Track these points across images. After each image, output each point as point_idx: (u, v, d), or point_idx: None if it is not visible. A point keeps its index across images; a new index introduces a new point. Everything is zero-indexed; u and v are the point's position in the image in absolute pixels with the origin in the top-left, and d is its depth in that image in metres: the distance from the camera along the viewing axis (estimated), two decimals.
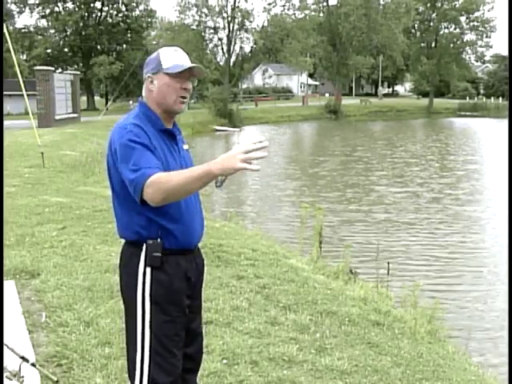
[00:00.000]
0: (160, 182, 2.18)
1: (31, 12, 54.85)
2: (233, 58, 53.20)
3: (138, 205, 2.32)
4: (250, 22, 51.61)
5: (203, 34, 51.39)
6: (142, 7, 56.97)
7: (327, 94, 72.93)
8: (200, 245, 2.62)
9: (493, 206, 15.85)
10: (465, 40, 72.05)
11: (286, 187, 19.21)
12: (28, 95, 15.17)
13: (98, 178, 13.18)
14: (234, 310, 4.75)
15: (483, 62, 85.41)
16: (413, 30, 73.36)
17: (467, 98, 76.74)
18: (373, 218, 14.11)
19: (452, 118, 62.76)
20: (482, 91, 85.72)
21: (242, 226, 10.11)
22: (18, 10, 54.70)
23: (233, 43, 51.14)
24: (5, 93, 29.28)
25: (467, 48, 72.72)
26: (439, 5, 70.82)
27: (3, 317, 2.87)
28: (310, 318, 4.82)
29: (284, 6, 53.03)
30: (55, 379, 2.93)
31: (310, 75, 76.26)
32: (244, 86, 69.00)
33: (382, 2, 62.14)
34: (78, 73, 38.77)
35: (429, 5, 70.77)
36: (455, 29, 71.93)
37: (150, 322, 2.39)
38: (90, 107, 51.89)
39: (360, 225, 13.42)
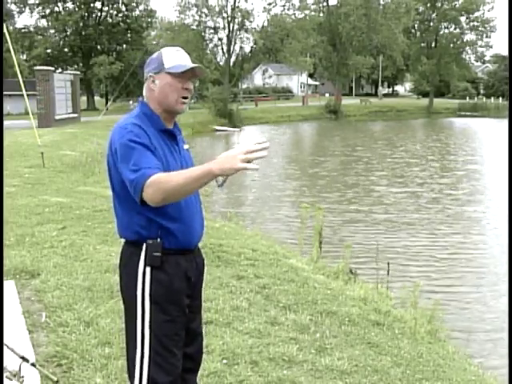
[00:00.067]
0: (160, 182, 2.18)
1: (31, 12, 54.92)
2: (233, 58, 53.23)
3: (138, 205, 2.32)
4: (250, 22, 51.67)
5: (203, 33, 51.38)
6: (142, 7, 57.04)
7: (327, 94, 72.93)
8: (200, 245, 2.62)
9: (493, 206, 15.85)
10: (465, 40, 72.05)
11: (286, 187, 19.21)
12: (28, 95, 15.17)
13: (97, 177, 13.18)
14: (234, 310, 4.75)
15: (483, 62, 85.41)
16: (413, 30, 73.35)
17: (467, 97, 76.75)
18: (373, 219, 14.11)
19: (452, 118, 62.76)
20: (481, 91, 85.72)
21: (241, 226, 10.10)
22: (18, 9, 54.79)
23: (233, 43, 51.14)
24: (5, 93, 29.28)
25: (467, 48, 72.72)
26: (439, 5, 70.81)
27: (3, 317, 2.87)
28: (310, 318, 4.82)
29: (284, 6, 53.05)
30: (55, 379, 2.93)
31: (310, 75, 76.26)
32: (244, 86, 69.01)
33: (382, 2, 62.16)
34: (78, 73, 38.77)
35: (429, 5, 70.76)
36: (455, 29, 71.94)
37: (150, 321, 2.39)
38: (89, 107, 51.90)
39: (360, 225, 13.42)
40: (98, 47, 54.69)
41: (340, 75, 62.61)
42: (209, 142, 35.02)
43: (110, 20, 56.16)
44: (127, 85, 44.62)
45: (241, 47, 53.00)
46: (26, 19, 59.42)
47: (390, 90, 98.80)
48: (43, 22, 55.77)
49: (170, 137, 2.47)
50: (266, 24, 52.25)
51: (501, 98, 72.47)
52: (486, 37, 71.26)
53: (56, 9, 54.15)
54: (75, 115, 32.71)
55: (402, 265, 10.00)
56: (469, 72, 75.70)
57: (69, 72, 38.77)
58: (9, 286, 4.89)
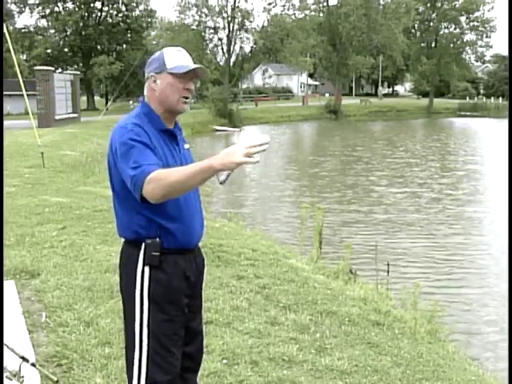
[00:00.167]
0: (160, 179, 2.17)
1: (31, 12, 54.93)
2: (233, 58, 53.22)
3: (137, 204, 2.33)
4: (250, 22, 51.66)
5: (203, 33, 51.38)
6: (142, 7, 57.06)
7: (327, 94, 72.93)
8: (200, 245, 2.62)
9: (493, 206, 15.84)
10: (465, 40, 72.04)
11: (286, 187, 19.22)
12: (28, 95, 15.17)
13: (98, 177, 13.18)
14: (234, 310, 4.75)
15: (483, 62, 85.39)
16: (413, 30, 73.35)
17: (467, 98, 76.74)
18: (373, 219, 14.11)
19: (452, 118, 62.76)
20: (482, 91, 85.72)
21: (241, 226, 10.10)
22: (18, 9, 54.80)
23: (233, 43, 51.14)
24: (5, 93, 29.29)
25: (467, 48, 72.71)
26: (439, 5, 70.80)
27: (3, 317, 2.87)
28: (310, 317, 4.82)
29: (284, 6, 53.04)
30: (55, 379, 2.94)
31: (310, 75, 76.25)
32: (244, 86, 69.01)
33: (382, 2, 62.15)
34: (78, 73, 38.77)
35: (429, 5, 70.75)
36: (455, 29, 71.93)
37: (149, 320, 2.39)
38: (90, 107, 51.90)
39: (360, 225, 13.42)
40: (98, 47, 54.69)
41: (340, 75, 62.61)
42: (209, 142, 35.02)
43: (110, 20, 56.17)
44: (127, 85, 44.63)
45: (241, 47, 53.07)
46: (25, 19, 59.54)
47: (390, 90, 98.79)
48: (43, 22, 55.89)
49: (171, 137, 2.48)
50: (266, 24, 52.27)
51: (501, 98, 72.46)
52: (486, 37, 71.31)
53: (56, 9, 54.16)
54: (75, 115, 32.71)
55: (402, 265, 10.00)
56: (469, 72, 75.70)
57: (69, 72, 38.77)
58: (9, 286, 4.89)
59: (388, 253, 10.37)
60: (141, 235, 2.38)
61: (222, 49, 51.76)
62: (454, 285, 9.39)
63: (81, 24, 53.70)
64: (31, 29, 55.76)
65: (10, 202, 8.92)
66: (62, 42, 55.27)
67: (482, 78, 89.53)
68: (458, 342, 6.36)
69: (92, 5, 54.66)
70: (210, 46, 52.66)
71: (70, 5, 54.10)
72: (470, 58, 75.13)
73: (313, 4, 61.76)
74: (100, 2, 54.96)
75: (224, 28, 50.97)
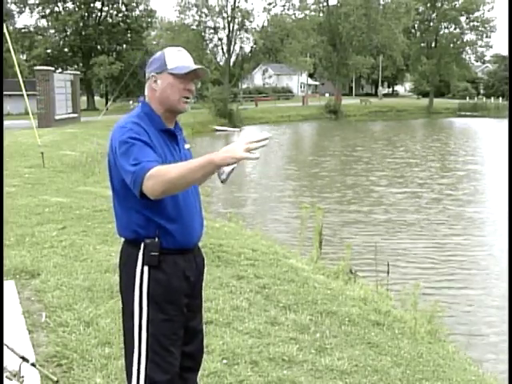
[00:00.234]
0: (160, 175, 2.17)
1: (31, 12, 54.91)
2: (233, 58, 53.21)
3: (137, 204, 2.33)
4: (250, 22, 51.65)
5: (203, 33, 51.38)
6: (142, 7, 57.03)
7: (327, 94, 72.93)
8: (200, 245, 2.62)
9: (493, 206, 15.83)
10: (465, 40, 72.03)
11: (286, 187, 19.21)
12: (28, 95, 15.17)
13: (97, 178, 13.18)
14: (234, 310, 4.75)
15: (483, 62, 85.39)
16: (413, 30, 73.34)
17: (467, 97, 76.74)
18: (373, 219, 14.11)
19: (452, 118, 62.76)
20: (482, 91, 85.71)
21: (241, 226, 10.10)
22: (18, 9, 54.77)
23: (233, 43, 51.13)
24: (5, 93, 29.29)
25: (467, 48, 72.70)
26: (439, 5, 70.80)
27: (3, 317, 2.87)
28: (310, 317, 4.82)
29: (284, 6, 53.03)
30: (55, 379, 2.93)
31: (310, 75, 76.24)
32: (244, 86, 69.00)
33: (382, 2, 62.13)
34: (78, 73, 38.76)
35: (429, 5, 70.74)
36: (455, 29, 71.92)
37: (148, 320, 2.40)
38: (90, 107, 51.90)
39: (360, 225, 13.42)
40: (98, 47, 54.69)
41: (340, 75, 62.60)
42: (209, 141, 35.01)
43: (110, 20, 56.16)
44: (127, 85, 44.63)
45: (241, 47, 53.06)
46: (25, 19, 59.51)
47: (390, 90, 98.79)
48: (43, 22, 55.87)
49: (171, 137, 2.48)
50: (266, 24, 52.26)
51: (501, 98, 72.46)
52: (486, 37, 71.29)
53: (56, 9, 54.14)
54: (75, 115, 32.71)
55: (402, 265, 10.00)
56: (469, 72, 75.69)
57: (69, 72, 38.77)
58: (9, 286, 4.89)
59: (388, 253, 10.37)
60: (140, 235, 2.38)
61: (222, 49, 51.78)
62: (454, 285, 9.39)
63: (81, 24, 53.68)
64: (31, 29, 55.75)
65: (10, 202, 8.92)
66: (62, 42, 55.25)
67: (482, 78, 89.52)
68: (458, 342, 6.36)
69: (92, 5, 54.65)
70: (210, 46, 52.71)
71: (70, 5, 54.10)
72: (469, 57, 75.19)
73: (313, 4, 61.78)
74: (100, 2, 54.97)
75: (224, 28, 51.01)
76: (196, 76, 2.48)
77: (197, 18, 51.00)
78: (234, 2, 50.19)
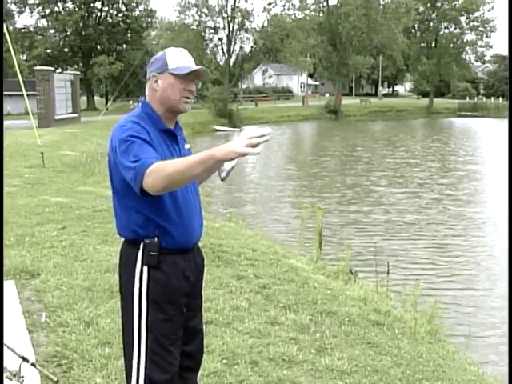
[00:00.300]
0: (160, 170, 2.17)
1: (31, 12, 54.90)
2: (233, 58, 53.21)
3: (137, 203, 2.34)
4: (250, 22, 51.66)
5: (203, 33, 51.38)
6: (142, 7, 57.04)
7: (327, 94, 72.93)
8: (200, 245, 2.62)
9: (493, 206, 15.83)
10: (465, 40, 72.04)
11: (286, 187, 19.21)
12: (28, 95, 15.16)
13: (98, 178, 13.18)
14: (234, 310, 4.75)
15: (483, 62, 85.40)
16: (413, 30, 73.34)
17: (467, 97, 76.75)
18: (373, 219, 14.10)
19: (452, 118, 62.76)
20: (482, 91, 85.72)
21: (241, 226, 10.10)
22: (18, 9, 54.78)
23: (233, 43, 51.14)
24: (5, 93, 29.28)
25: (467, 48, 72.71)
26: (439, 5, 70.80)
27: (3, 317, 2.87)
28: (310, 317, 4.82)
29: (284, 6, 53.04)
30: (55, 379, 2.93)
31: (310, 75, 76.24)
32: (244, 86, 69.00)
33: (382, 2, 62.12)
34: (78, 73, 38.76)
35: (429, 5, 70.75)
36: (455, 29, 71.93)
37: (147, 320, 2.40)
38: (90, 107, 51.90)
39: (360, 225, 13.42)
40: (98, 47, 54.70)
41: (340, 75, 62.60)
42: (209, 142, 34.98)
43: (110, 20, 56.16)
44: (127, 85, 44.62)
45: (241, 47, 53.07)
46: (25, 19, 59.52)
47: (390, 90, 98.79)
48: (43, 22, 55.87)
49: (171, 137, 2.48)
50: (266, 24, 52.27)
51: (501, 98, 72.46)
52: (486, 37, 71.30)
53: (56, 9, 54.15)
54: (75, 115, 32.71)
55: (402, 265, 10.00)
56: (469, 72, 75.70)
57: (69, 72, 38.77)
58: (9, 286, 4.89)
59: (388, 253, 10.37)
60: (139, 235, 2.39)
61: (222, 49, 51.79)
62: (454, 286, 9.37)
63: (81, 24, 53.69)
64: (31, 29, 55.76)
65: (10, 202, 8.92)
66: (62, 42, 55.25)
67: (482, 78, 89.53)
68: (458, 339, 6.36)
69: (92, 5, 54.66)
70: (210, 46, 52.72)
71: (70, 5, 54.11)
72: (470, 57, 75.20)
73: (313, 4, 61.78)
74: (100, 2, 54.98)
75: (224, 28, 51.01)
76: (197, 76, 2.48)
77: (197, 17, 51.05)
78: (234, 2, 50.23)
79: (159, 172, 2.16)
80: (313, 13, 60.03)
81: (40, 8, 54.28)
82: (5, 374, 2.56)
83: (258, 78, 75.26)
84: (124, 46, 56.72)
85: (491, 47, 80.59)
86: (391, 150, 30.60)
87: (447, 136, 40.71)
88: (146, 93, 2.50)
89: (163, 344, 2.40)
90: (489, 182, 20.67)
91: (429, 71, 70.41)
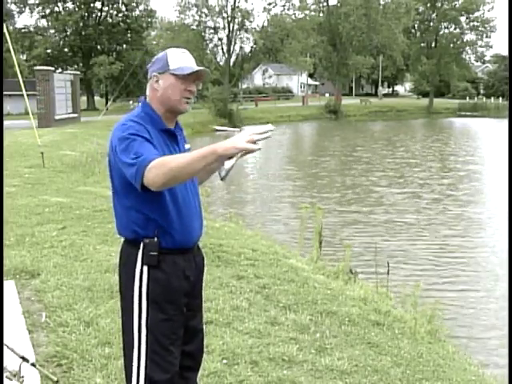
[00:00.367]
0: (161, 165, 2.17)
1: (31, 12, 54.90)
2: (233, 58, 53.21)
3: (137, 203, 2.35)
4: (250, 22, 51.66)
5: (203, 33, 51.38)
6: (142, 7, 57.02)
7: (327, 94, 72.92)
8: (200, 245, 2.62)
9: (493, 207, 15.83)
10: (465, 40, 72.04)
11: (286, 188, 19.21)
12: (28, 95, 15.16)
13: (98, 178, 13.19)
14: (234, 310, 4.75)
15: (483, 62, 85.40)
16: (413, 30, 73.34)
17: (467, 97, 76.73)
18: (373, 219, 14.10)
19: (452, 118, 62.76)
20: (482, 91, 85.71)
21: (241, 226, 10.10)
22: (18, 9, 54.76)
23: (233, 43, 51.14)
24: (5, 93, 29.29)
25: (467, 48, 72.71)
26: (439, 5, 70.81)
27: (3, 317, 2.87)
28: (310, 317, 4.82)
29: (284, 6, 53.03)
30: (55, 379, 2.94)
31: (310, 75, 76.24)
32: (244, 86, 68.98)
33: (382, 2, 62.08)
34: (78, 73, 38.76)
35: (429, 5, 70.75)
36: (455, 29, 71.93)
37: (147, 320, 2.40)
38: (90, 107, 51.90)
39: (360, 225, 13.42)
40: (98, 47, 54.68)
41: (340, 75, 62.60)
42: (209, 142, 34.75)
43: (110, 20, 56.15)
44: (127, 85, 44.61)
45: (241, 47, 53.07)
46: (26, 19, 59.51)
47: (390, 90, 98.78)
48: (43, 22, 55.85)
49: (171, 137, 2.48)
50: (266, 24, 52.27)
51: (501, 98, 72.45)
52: (486, 37, 71.31)
53: (56, 9, 54.14)
54: (75, 115, 32.71)
55: (402, 266, 9.99)
56: (469, 72, 75.69)
57: (69, 72, 38.76)
58: (9, 286, 4.89)
59: (388, 253, 10.37)
60: (139, 235, 2.39)
61: (222, 49, 51.79)
62: (454, 286, 9.37)
63: (81, 24, 53.67)
64: (31, 29, 55.74)
65: (10, 202, 8.92)
66: (62, 42, 55.25)
67: (482, 78, 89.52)
68: (458, 339, 6.36)
69: (92, 5, 54.63)
70: (210, 46, 52.72)
71: (70, 5, 54.09)
72: (470, 57, 75.20)
73: (313, 4, 61.83)
74: (100, 2, 54.96)
75: (224, 28, 51.01)
76: (197, 77, 2.48)
77: (197, 17, 51.06)
78: (234, 2, 50.23)
79: (160, 167, 2.16)
80: (313, 13, 60.06)
81: (40, 8, 54.28)
82: (5, 374, 2.56)
83: (258, 78, 75.25)
84: (124, 45, 56.70)
85: (491, 47, 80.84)
86: (391, 150, 30.60)
87: (447, 136, 40.71)
88: (147, 92, 2.50)
89: (163, 344, 2.41)
90: (489, 182, 20.67)
91: (429, 71, 70.41)
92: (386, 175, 21.63)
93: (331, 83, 70.25)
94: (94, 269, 5.50)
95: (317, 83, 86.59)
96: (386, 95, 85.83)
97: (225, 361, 3.84)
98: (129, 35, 56.65)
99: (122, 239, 2.51)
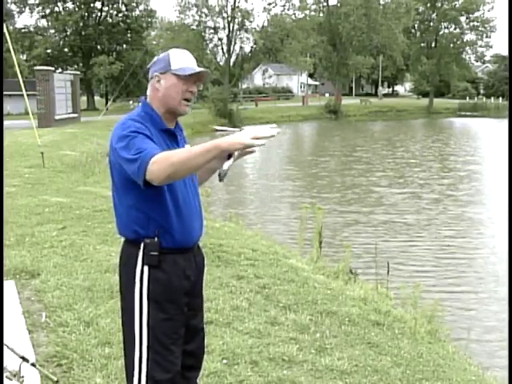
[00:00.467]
0: (165, 158, 2.17)
1: (31, 12, 54.92)
2: (233, 58, 53.20)
3: (137, 202, 2.35)
4: (250, 22, 51.64)
5: (203, 33, 51.36)
6: (142, 7, 57.03)
7: (327, 94, 72.92)
8: (200, 244, 2.62)
9: (494, 207, 15.83)
10: (465, 40, 72.04)
11: (286, 188, 19.21)
12: (28, 95, 15.17)
13: (98, 178, 13.19)
14: (234, 310, 4.75)
15: (483, 62, 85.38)
16: (413, 30, 73.34)
17: (467, 97, 76.73)
18: (373, 219, 14.10)
19: (452, 118, 62.75)
20: (482, 91, 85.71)
21: (241, 226, 10.10)
22: (18, 9, 54.78)
23: (233, 43, 51.13)
24: (5, 93, 29.27)
25: (467, 48, 72.71)
26: (439, 5, 70.81)
27: (3, 317, 2.87)
28: (310, 318, 4.82)
29: (284, 6, 53.00)
30: (55, 379, 2.94)
31: (310, 75, 76.23)
32: (244, 86, 68.98)
33: (381, 2, 62.09)
34: (78, 73, 38.77)
35: (429, 5, 70.76)
36: (455, 29, 71.93)
37: (148, 319, 2.40)
38: (90, 107, 51.91)
39: (360, 226, 13.41)
40: (98, 47, 54.69)
41: (340, 75, 62.60)
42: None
43: (110, 20, 56.16)
44: (127, 85, 44.61)
45: (241, 47, 53.06)
46: (26, 19, 59.53)
47: (390, 90, 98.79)
48: (43, 22, 55.88)
49: (171, 136, 2.49)
50: (266, 24, 52.24)
51: (501, 98, 72.44)
52: (486, 37, 71.29)
53: (56, 9, 54.16)
54: (75, 115, 32.71)
55: (402, 266, 9.99)
56: (469, 72, 75.69)
57: (69, 72, 38.77)
58: (9, 286, 4.89)
59: (388, 254, 10.36)
60: (140, 235, 2.39)
61: (222, 49, 51.78)
62: (454, 284, 9.38)
63: (81, 24, 53.69)
64: (31, 29, 55.75)
65: (10, 202, 8.93)
66: (61, 42, 55.26)
67: (482, 78, 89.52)
68: (458, 339, 6.36)
69: (92, 5, 54.65)
70: (210, 46, 52.70)
71: (70, 5, 54.11)
72: (470, 57, 75.19)
73: (313, 4, 61.80)
74: (100, 2, 54.98)
75: (224, 28, 51.00)
76: (198, 79, 2.48)
77: (197, 18, 51.03)
78: (234, 2, 50.23)
79: (164, 160, 2.16)
80: (313, 13, 60.04)
81: (40, 8, 54.30)
82: (5, 374, 2.56)
83: (258, 78, 75.25)
84: (124, 45, 56.72)
85: (491, 47, 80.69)
86: (391, 150, 30.60)
87: (447, 136, 40.71)
88: (148, 92, 2.50)
89: (165, 343, 2.41)
90: (489, 183, 20.66)
91: (429, 71, 70.41)
92: (386, 175, 21.63)
93: (331, 83, 70.24)
94: (94, 269, 5.50)
95: (317, 83, 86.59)
96: (386, 95, 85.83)
97: (225, 361, 3.84)
98: (129, 35, 56.67)
99: (122, 239, 2.52)
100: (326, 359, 4.03)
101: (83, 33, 53.66)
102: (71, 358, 3.70)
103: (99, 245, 6.43)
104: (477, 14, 69.98)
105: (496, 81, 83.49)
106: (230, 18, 50.41)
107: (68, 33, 54.53)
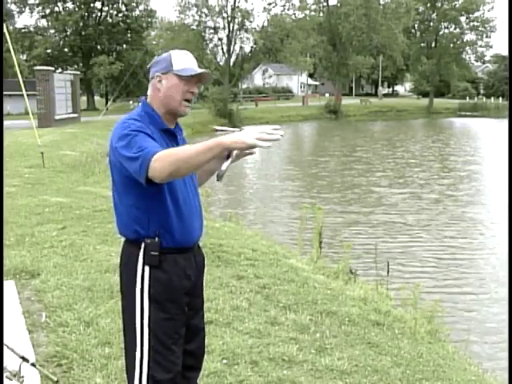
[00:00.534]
0: (168, 155, 2.17)
1: (31, 12, 54.91)
2: (233, 58, 53.19)
3: (138, 201, 2.36)
4: (250, 22, 51.63)
5: (203, 33, 51.35)
6: (142, 7, 57.03)
7: (327, 94, 72.93)
8: (200, 244, 2.62)
9: (494, 207, 15.82)
10: (465, 40, 72.03)
11: (286, 188, 19.21)
12: (28, 95, 15.18)
13: (97, 178, 13.19)
14: (234, 310, 4.75)
15: (483, 62, 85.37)
16: (413, 30, 73.34)
17: (467, 97, 76.72)
18: (373, 220, 14.09)
19: (452, 118, 62.74)
20: (482, 91, 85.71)
21: (241, 226, 10.10)
22: (18, 9, 54.77)
23: (233, 43, 51.12)
24: (5, 93, 29.28)
25: (467, 48, 72.70)
26: (439, 5, 70.81)
27: (3, 317, 2.87)
28: (310, 318, 4.82)
29: (284, 6, 52.98)
30: (55, 379, 2.94)
31: (310, 75, 76.24)
32: (244, 86, 68.98)
33: (381, 2, 62.09)
34: (78, 73, 38.76)
35: (429, 5, 70.76)
36: (455, 29, 71.93)
37: (149, 319, 2.40)
38: (90, 107, 51.91)
39: (360, 226, 13.41)
40: (98, 47, 54.70)
41: (340, 75, 62.60)
42: None
43: (110, 20, 56.16)
44: (127, 85, 44.62)
45: (241, 47, 53.04)
46: (26, 19, 59.53)
47: (390, 90, 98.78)
48: (43, 22, 55.88)
49: (171, 136, 2.49)
50: (266, 24, 52.23)
51: (501, 98, 72.44)
52: (486, 37, 71.29)
53: (56, 9, 54.16)
54: (75, 115, 32.71)
55: (402, 266, 9.99)
56: (469, 72, 75.69)
57: (69, 72, 38.76)
58: (9, 286, 4.89)
59: (388, 254, 10.36)
60: (140, 235, 2.39)
61: (222, 49, 51.77)
62: (454, 288, 9.36)
63: (81, 24, 53.69)
64: (31, 29, 55.75)
65: (10, 202, 8.93)
66: (62, 42, 55.26)
67: (482, 78, 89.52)
68: (458, 339, 6.35)
69: (92, 5, 54.65)
70: (210, 46, 52.67)
71: (70, 5, 54.12)
72: (469, 57, 75.19)
73: (313, 4, 61.79)
74: (100, 2, 54.98)
75: (224, 28, 50.99)
76: (200, 80, 2.49)
77: (197, 18, 51.01)
78: (234, 2, 50.22)
79: (166, 158, 2.16)
80: (313, 13, 60.04)
81: (40, 8, 54.30)
82: (5, 374, 2.56)
83: (258, 78, 75.24)
84: (124, 45, 56.72)
85: (491, 47, 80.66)
86: (391, 150, 30.59)
87: (447, 136, 40.70)
88: (149, 92, 2.50)
89: (165, 343, 2.41)
90: (489, 183, 20.65)
91: (429, 71, 70.41)
92: (386, 175, 21.63)
93: (331, 83, 70.24)
94: (94, 269, 5.50)
95: (317, 83, 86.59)
96: (385, 95, 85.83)
97: (225, 361, 3.84)
98: (129, 35, 56.67)
99: (123, 239, 2.52)
100: (326, 359, 4.03)
101: (83, 33, 53.65)
102: (71, 358, 3.70)
103: (99, 245, 6.43)
104: (477, 13, 69.99)
105: (496, 81, 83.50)
106: (230, 18, 50.41)
107: (68, 33, 54.52)
